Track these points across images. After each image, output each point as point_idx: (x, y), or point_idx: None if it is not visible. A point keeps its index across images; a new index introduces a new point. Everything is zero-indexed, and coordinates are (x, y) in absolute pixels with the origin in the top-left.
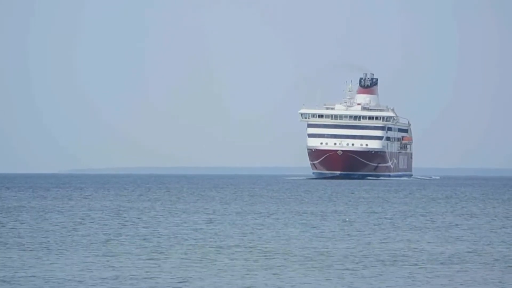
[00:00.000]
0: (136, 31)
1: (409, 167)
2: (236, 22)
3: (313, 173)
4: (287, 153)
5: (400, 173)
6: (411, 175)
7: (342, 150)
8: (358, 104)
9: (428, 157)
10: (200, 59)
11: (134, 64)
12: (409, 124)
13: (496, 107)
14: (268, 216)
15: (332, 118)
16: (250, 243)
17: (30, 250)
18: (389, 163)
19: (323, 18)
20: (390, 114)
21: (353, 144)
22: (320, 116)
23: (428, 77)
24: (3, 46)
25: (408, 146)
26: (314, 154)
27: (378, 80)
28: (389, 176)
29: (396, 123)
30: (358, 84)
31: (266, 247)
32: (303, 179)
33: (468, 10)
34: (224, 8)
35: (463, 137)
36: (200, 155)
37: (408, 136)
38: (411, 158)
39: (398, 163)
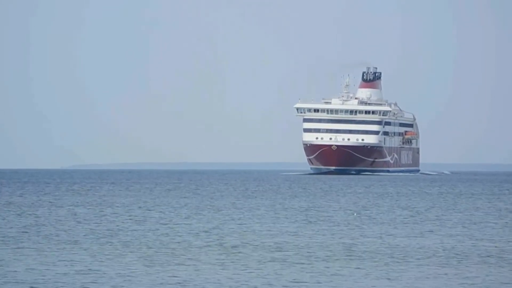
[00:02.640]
0: (137, 27)
1: (415, 163)
2: (236, 19)
3: (311, 168)
4: (288, 149)
5: (403, 168)
6: (417, 171)
7: (336, 145)
8: (356, 98)
9: (434, 152)
10: (200, 57)
11: (135, 61)
12: (414, 119)
13: (496, 103)
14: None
15: (328, 113)
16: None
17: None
18: (388, 158)
19: (326, 15)
20: (387, 108)
21: (348, 139)
22: (316, 110)
23: (433, 73)
24: (3, 45)
25: (413, 141)
26: (309, 149)
27: (382, 74)
28: (388, 171)
29: (397, 117)
30: (361, 78)
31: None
32: (298, 174)
33: (467, 5)
34: (224, 3)
35: (466, 132)
36: (201, 152)
37: (412, 131)
38: (418, 153)
39: (400, 159)
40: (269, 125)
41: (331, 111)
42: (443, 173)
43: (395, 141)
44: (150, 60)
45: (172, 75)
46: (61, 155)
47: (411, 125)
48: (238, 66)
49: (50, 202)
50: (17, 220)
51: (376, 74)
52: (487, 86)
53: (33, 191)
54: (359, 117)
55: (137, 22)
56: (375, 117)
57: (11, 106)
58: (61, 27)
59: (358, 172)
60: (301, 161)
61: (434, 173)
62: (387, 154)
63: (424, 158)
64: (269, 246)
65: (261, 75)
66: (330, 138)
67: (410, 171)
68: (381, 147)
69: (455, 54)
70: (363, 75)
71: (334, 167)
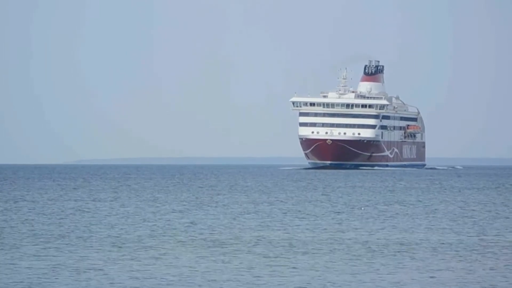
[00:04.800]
0: (138, 25)
1: (420, 157)
2: (235, 14)
3: (309, 163)
4: (289, 143)
5: (405, 163)
6: (423, 166)
7: (331, 139)
8: (353, 92)
9: (442, 146)
10: (199, 55)
11: (136, 59)
12: (418, 113)
13: (496, 97)
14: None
15: (324, 107)
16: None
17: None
18: (386, 153)
19: (326, 10)
20: (384, 102)
21: (345, 133)
22: (312, 104)
23: (435, 68)
24: (5, 43)
25: (417, 135)
26: (305, 143)
27: (384, 68)
28: (387, 166)
29: (397, 111)
30: (363, 72)
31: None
32: (295, 169)
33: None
34: None
35: (470, 126)
36: (201, 147)
37: (416, 124)
38: (423, 147)
39: (401, 153)
40: (269, 120)
41: (327, 104)
42: (453, 167)
43: (395, 135)
44: (151, 58)
45: (171, 72)
46: (65, 151)
47: (414, 119)
48: (237, 61)
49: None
50: None
51: (378, 68)
52: (486, 80)
53: None
54: (356, 110)
55: (138, 20)
56: (372, 111)
57: (14, 104)
58: (63, 24)
59: (355, 167)
60: (301, 156)
61: (441, 168)
62: (385, 149)
63: (433, 153)
64: (260, 240)
65: (261, 70)
66: (326, 132)
67: (413, 166)
68: (379, 141)
69: (454, 49)
70: (365, 68)
71: (329, 162)
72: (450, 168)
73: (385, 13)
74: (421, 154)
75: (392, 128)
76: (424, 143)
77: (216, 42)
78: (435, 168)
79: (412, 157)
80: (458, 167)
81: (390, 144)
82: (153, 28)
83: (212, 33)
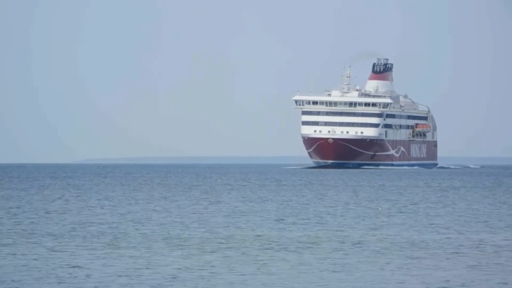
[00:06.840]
0: (141, 26)
1: (431, 156)
2: (236, 12)
3: (312, 162)
4: (295, 142)
5: (413, 162)
6: (434, 165)
7: (333, 138)
8: (357, 90)
9: (453, 145)
10: (200, 53)
11: (137, 57)
12: (429, 111)
13: (495, 96)
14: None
15: (326, 105)
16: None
17: None
18: (391, 152)
19: (333, 7)
20: (388, 100)
21: (347, 132)
22: (314, 103)
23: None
24: (4, 44)
25: (427, 134)
26: (307, 142)
27: (394, 66)
28: (392, 165)
29: (404, 109)
30: (371, 70)
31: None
32: (299, 168)
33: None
34: None
35: (481, 124)
36: (206, 146)
37: (426, 123)
38: (435, 146)
39: (409, 152)
40: (274, 118)
41: (329, 103)
42: (467, 167)
43: (402, 134)
44: (152, 59)
45: (172, 71)
46: (65, 151)
47: (424, 118)
48: (239, 60)
49: None
50: None
51: (387, 66)
52: (497, 77)
53: None
54: (359, 109)
55: (139, 20)
56: (375, 110)
57: (14, 104)
58: (63, 24)
59: (358, 166)
60: (306, 155)
61: (453, 167)
62: (390, 147)
63: (448, 152)
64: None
65: (264, 69)
66: (329, 131)
67: (423, 165)
68: (382, 140)
69: (465, 49)
70: (373, 67)
71: (331, 161)
72: (463, 168)
73: (393, 11)
74: (432, 153)
75: (398, 127)
76: (435, 142)
77: (218, 41)
78: (444, 167)
79: (421, 156)
80: (473, 166)
81: (395, 143)
82: (154, 28)
83: (213, 32)
